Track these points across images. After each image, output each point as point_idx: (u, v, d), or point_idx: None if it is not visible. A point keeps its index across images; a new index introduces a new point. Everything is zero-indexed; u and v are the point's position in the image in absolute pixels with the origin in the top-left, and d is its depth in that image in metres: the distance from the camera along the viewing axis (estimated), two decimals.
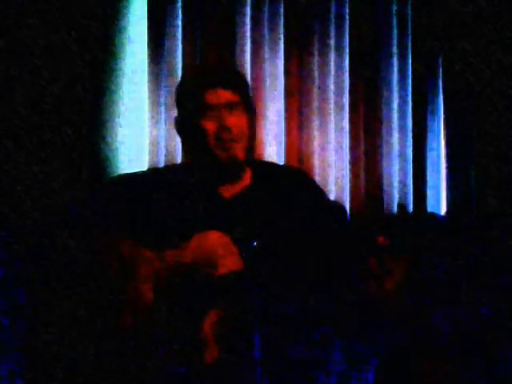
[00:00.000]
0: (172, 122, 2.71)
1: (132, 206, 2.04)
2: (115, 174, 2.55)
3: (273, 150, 2.82)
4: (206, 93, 2.06)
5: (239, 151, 2.05)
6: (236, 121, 2.05)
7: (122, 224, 2.01)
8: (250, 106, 2.13)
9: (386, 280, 1.85)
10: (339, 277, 1.95)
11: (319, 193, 2.20)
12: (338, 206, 2.26)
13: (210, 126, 2.04)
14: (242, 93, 2.11)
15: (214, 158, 2.05)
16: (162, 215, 2.03)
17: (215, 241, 1.93)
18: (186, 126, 2.10)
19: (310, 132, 2.90)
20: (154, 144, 2.71)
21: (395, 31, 2.99)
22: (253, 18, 2.83)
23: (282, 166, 2.66)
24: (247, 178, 2.12)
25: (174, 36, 2.74)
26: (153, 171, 2.32)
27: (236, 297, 1.87)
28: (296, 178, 2.18)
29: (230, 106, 2.06)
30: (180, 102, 2.15)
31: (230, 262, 1.91)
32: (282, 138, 2.86)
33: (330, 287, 1.96)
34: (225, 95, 2.06)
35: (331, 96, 2.91)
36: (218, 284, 1.88)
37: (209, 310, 1.86)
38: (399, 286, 1.86)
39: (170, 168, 2.38)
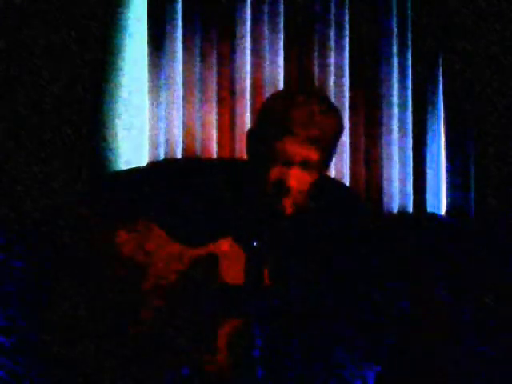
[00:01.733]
0: (171, 121, 2.73)
1: (139, 203, 1.94)
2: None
3: None
4: (285, 138, 1.81)
5: (289, 207, 1.86)
6: (302, 180, 1.84)
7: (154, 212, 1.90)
8: (327, 164, 1.92)
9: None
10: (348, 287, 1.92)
11: (364, 224, 2.05)
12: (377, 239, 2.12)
13: (273, 174, 1.84)
14: (330, 149, 1.88)
15: (261, 201, 1.88)
16: (170, 215, 1.92)
17: (225, 249, 1.90)
18: (254, 152, 1.90)
19: None
20: (154, 144, 2.71)
21: (395, 31, 2.99)
22: (253, 18, 2.83)
23: (339, 187, 2.35)
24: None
25: (174, 36, 2.75)
26: (159, 167, 2.18)
27: (238, 303, 1.85)
28: (346, 206, 2.02)
29: (306, 164, 1.84)
30: (260, 124, 1.92)
31: (232, 275, 1.86)
32: None
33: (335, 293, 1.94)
34: (305, 152, 1.82)
35: (331, 95, 2.91)
36: (219, 289, 1.86)
37: (214, 314, 1.84)
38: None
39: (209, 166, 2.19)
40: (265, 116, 1.92)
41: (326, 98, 2.06)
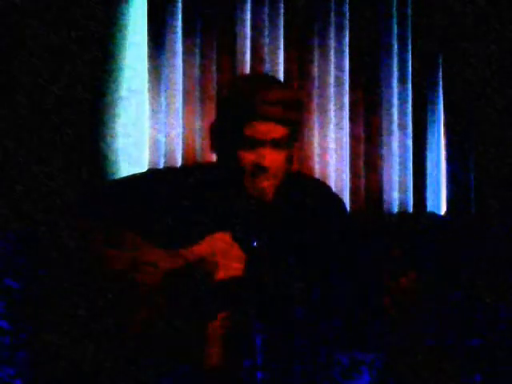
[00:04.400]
0: (171, 121, 2.74)
1: (137, 208, 1.97)
2: (115, 177, 2.54)
3: None
4: (253, 121, 1.89)
5: (270, 189, 1.92)
6: (276, 158, 1.91)
7: (133, 222, 1.94)
8: (296, 138, 1.98)
9: (399, 297, 1.83)
10: (343, 281, 1.93)
11: (340, 211, 2.10)
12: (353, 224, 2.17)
13: (247, 158, 1.91)
14: (294, 126, 1.95)
15: (242, 187, 1.93)
16: (168, 218, 1.95)
17: (219, 243, 1.91)
18: (223, 145, 1.96)
19: (310, 132, 2.89)
20: (154, 144, 2.71)
21: (395, 31, 2.99)
22: (253, 18, 2.83)
23: (309, 178, 2.47)
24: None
25: (174, 36, 2.75)
26: (156, 173, 2.23)
27: (237, 301, 1.86)
28: (319, 193, 2.07)
29: (276, 143, 1.91)
30: (222, 115, 1.99)
31: (230, 267, 1.88)
32: None
33: (333, 290, 1.95)
34: (274, 131, 1.90)
35: (331, 96, 2.91)
36: (218, 287, 1.87)
37: (213, 313, 1.85)
38: (413, 301, 1.85)
39: (174, 170, 2.27)
40: (226, 107, 1.97)
41: (277, 78, 2.30)
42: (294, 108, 1.95)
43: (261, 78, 2.23)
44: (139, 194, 2.00)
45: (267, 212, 1.98)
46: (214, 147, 2.03)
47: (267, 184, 1.92)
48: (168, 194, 2.00)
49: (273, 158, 1.91)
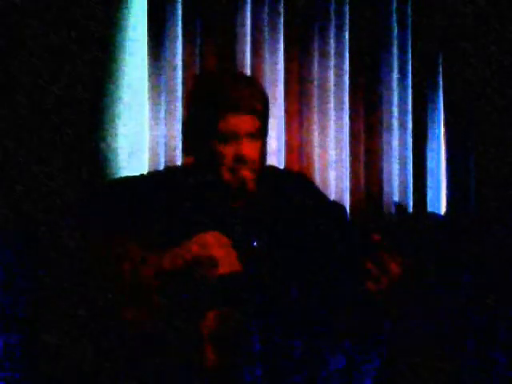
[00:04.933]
0: (171, 121, 2.73)
1: (136, 209, 1.98)
2: (116, 177, 2.54)
3: (273, 150, 2.82)
4: (226, 116, 1.92)
5: (250, 181, 1.95)
6: (253, 149, 1.95)
7: (125, 226, 1.96)
8: (267, 130, 2.03)
9: (382, 279, 1.84)
10: (338, 276, 1.94)
11: (319, 195, 2.16)
12: (338, 206, 2.24)
13: (226, 152, 1.94)
14: (264, 117, 2.00)
15: (222, 181, 1.95)
16: (166, 220, 1.97)
17: (214, 241, 1.91)
18: (198, 142, 1.98)
19: (310, 132, 2.90)
20: (154, 144, 2.71)
21: (395, 31, 2.99)
22: (253, 18, 2.83)
23: (283, 170, 2.58)
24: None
25: (174, 36, 2.75)
26: (154, 174, 2.24)
27: (235, 298, 1.86)
28: (297, 182, 2.13)
29: (252, 135, 1.95)
30: (193, 108, 2.01)
31: (228, 262, 1.90)
32: (282, 138, 2.86)
33: (330, 286, 1.96)
34: (248, 123, 1.94)
35: (331, 96, 2.91)
36: (215, 284, 1.87)
37: (208, 310, 1.85)
38: (397, 284, 1.85)
39: (172, 171, 2.26)
40: (198, 105, 2.00)
41: (243, 72, 2.48)
42: (263, 101, 2.00)
43: (229, 73, 2.34)
44: (138, 194, 2.00)
45: (254, 205, 2.00)
46: (188, 146, 2.06)
47: (248, 175, 1.94)
48: (167, 194, 2.01)
49: (251, 149, 1.94)
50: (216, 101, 1.95)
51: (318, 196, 2.16)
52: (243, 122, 1.94)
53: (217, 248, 1.89)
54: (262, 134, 1.99)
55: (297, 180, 2.15)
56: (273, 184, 2.07)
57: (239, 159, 1.93)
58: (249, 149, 1.94)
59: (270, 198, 2.04)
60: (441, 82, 3.02)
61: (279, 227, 2.00)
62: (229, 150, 1.94)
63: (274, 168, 2.33)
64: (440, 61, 3.02)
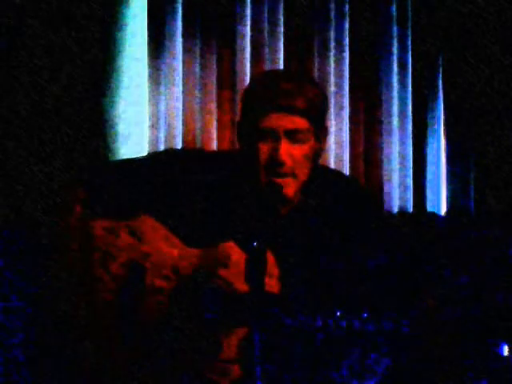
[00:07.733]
0: (171, 122, 2.74)
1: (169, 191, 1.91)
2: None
3: None
4: (267, 113, 1.85)
5: (290, 189, 1.86)
6: (293, 152, 1.85)
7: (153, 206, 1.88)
8: (321, 132, 1.92)
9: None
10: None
11: (369, 209, 2.02)
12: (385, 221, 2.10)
13: (262, 150, 1.86)
14: (315, 117, 1.89)
15: (260, 185, 1.87)
16: (204, 213, 1.90)
17: (233, 257, 1.82)
18: (243, 139, 1.93)
19: None
20: (154, 144, 2.71)
21: (395, 31, 2.99)
22: (253, 18, 2.83)
23: (335, 174, 2.23)
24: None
25: (174, 36, 2.75)
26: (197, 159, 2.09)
27: (244, 316, 1.78)
28: (347, 193, 1.99)
29: (291, 135, 1.85)
30: (243, 106, 1.95)
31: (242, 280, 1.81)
32: None
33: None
34: (288, 121, 1.84)
35: (331, 96, 2.91)
36: (241, 301, 1.79)
37: (234, 327, 1.78)
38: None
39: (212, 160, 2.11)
40: (247, 102, 1.95)
41: (300, 72, 2.40)
42: (311, 100, 1.89)
43: (282, 72, 2.31)
44: (158, 176, 1.95)
45: (297, 215, 1.90)
46: (238, 142, 1.99)
47: (286, 181, 1.86)
48: (190, 185, 1.94)
49: (289, 152, 1.86)
50: (261, 96, 1.89)
51: (367, 210, 2.02)
52: (283, 121, 1.85)
53: (235, 265, 1.82)
54: (307, 136, 1.89)
55: (345, 191, 2.01)
56: (320, 194, 1.95)
57: (274, 159, 1.85)
58: (286, 152, 1.85)
59: (314, 213, 1.92)
60: (441, 82, 3.02)
61: (315, 249, 1.89)
62: (265, 148, 1.86)
63: (325, 172, 2.12)
64: (440, 61, 3.02)
